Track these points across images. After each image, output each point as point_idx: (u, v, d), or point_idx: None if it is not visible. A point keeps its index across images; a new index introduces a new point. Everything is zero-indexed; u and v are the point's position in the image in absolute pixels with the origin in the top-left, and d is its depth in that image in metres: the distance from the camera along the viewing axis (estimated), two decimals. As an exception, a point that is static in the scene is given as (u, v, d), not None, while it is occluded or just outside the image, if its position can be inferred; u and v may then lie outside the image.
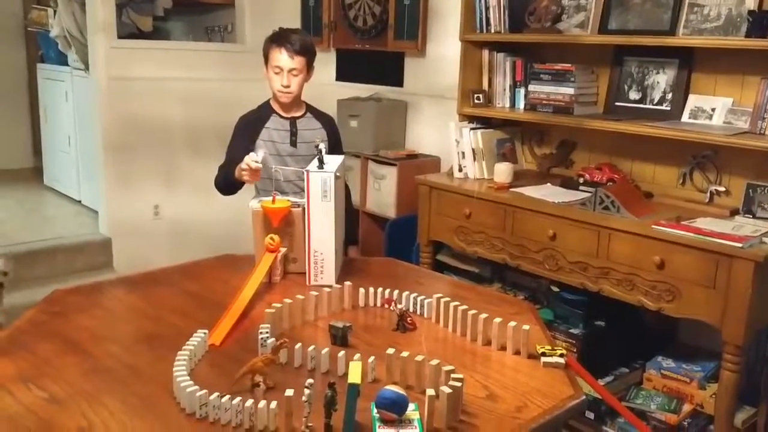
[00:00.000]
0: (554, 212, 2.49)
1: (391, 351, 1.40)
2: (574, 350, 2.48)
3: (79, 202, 4.54)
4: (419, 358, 1.38)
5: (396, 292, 1.81)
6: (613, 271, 2.34)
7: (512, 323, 1.56)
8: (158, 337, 1.59)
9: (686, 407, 2.35)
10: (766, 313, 2.14)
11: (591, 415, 2.45)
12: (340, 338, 1.56)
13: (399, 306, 1.67)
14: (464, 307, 1.65)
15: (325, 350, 1.45)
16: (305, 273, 1.94)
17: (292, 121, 2.45)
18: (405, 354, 1.39)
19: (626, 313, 2.41)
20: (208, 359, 1.49)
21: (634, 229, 2.26)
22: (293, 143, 2.43)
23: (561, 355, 1.52)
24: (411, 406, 1.26)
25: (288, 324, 1.66)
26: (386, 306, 1.76)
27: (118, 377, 1.41)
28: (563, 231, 2.47)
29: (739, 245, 2.03)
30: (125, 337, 1.60)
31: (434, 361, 1.37)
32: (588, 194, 2.50)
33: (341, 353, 1.44)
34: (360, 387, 1.24)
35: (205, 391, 1.26)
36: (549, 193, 2.64)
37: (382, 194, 3.60)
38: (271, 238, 1.91)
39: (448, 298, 1.70)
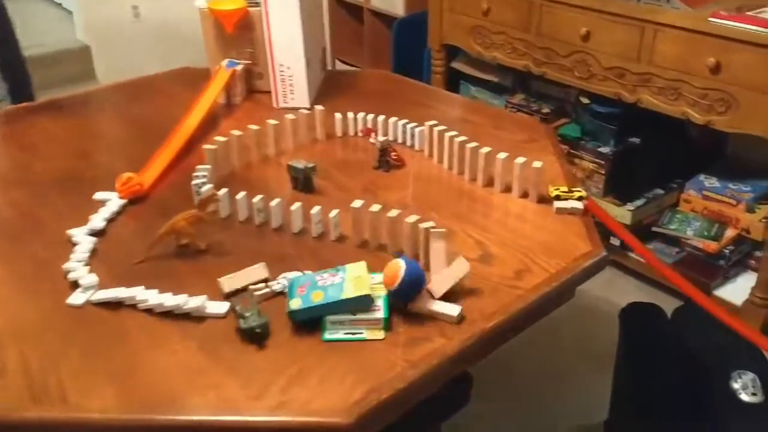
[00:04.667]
0: (589, 4, 2.01)
1: (357, 204, 1.08)
2: (603, 172, 2.14)
3: (59, 4, 4.09)
4: (393, 213, 1.06)
5: (381, 118, 1.44)
6: (655, 78, 1.92)
7: (520, 159, 1.21)
8: (77, 180, 1.29)
9: (729, 233, 2.05)
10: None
11: (617, 242, 2.18)
12: (302, 182, 1.24)
13: (380, 138, 1.32)
14: (461, 138, 1.30)
15: (276, 201, 1.13)
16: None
17: None
18: (375, 208, 1.07)
19: (666, 129, 2.02)
20: (133, 212, 1.20)
21: (686, 24, 1.80)
22: None
23: (579, 198, 1.18)
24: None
25: (239, 162, 1.33)
26: (367, 137, 1.41)
27: (14, 233, 1.13)
28: (599, 29, 2.01)
29: (823, 43, 1.59)
30: (38, 180, 1.30)
31: (411, 218, 1.05)
32: (632, -20, 1.99)
33: (295, 205, 1.12)
34: (371, 297, 0.92)
35: (95, 279, 0.98)
36: (583, -21, 2.12)
37: (388, -14, 3.07)
38: (128, 178, 1.22)
39: (442, 126, 1.34)
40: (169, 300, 0.94)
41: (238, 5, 1.56)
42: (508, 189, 1.25)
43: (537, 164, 1.19)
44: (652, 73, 1.92)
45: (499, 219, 1.17)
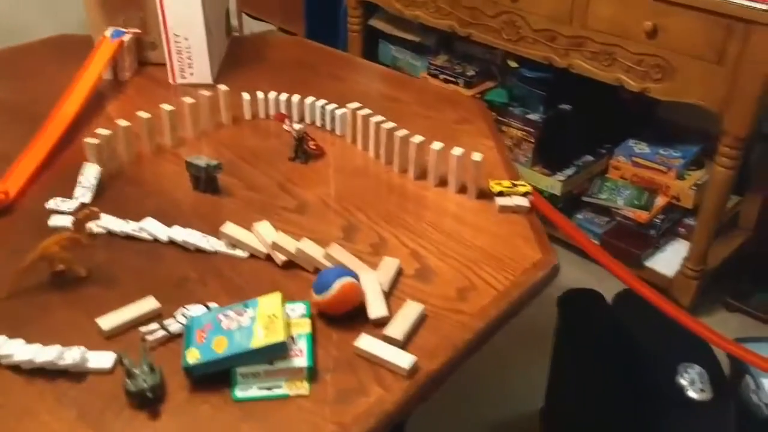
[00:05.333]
0: (518, -40, 1.87)
1: (262, 226, 0.91)
2: (532, 140, 2.03)
3: None
4: (303, 243, 0.90)
5: (296, 99, 1.26)
6: (588, 42, 1.80)
7: (456, 150, 1.07)
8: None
9: (659, 201, 2.00)
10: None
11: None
12: (204, 181, 1.05)
13: (296, 125, 1.14)
14: (389, 125, 1.13)
15: (147, 221, 0.94)
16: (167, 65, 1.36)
17: None
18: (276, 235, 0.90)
19: (597, 93, 1.93)
20: (-5, 228, 0.98)
21: (621, -17, 1.69)
22: None
23: (524, 194, 1.06)
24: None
25: (128, 155, 1.12)
26: (280, 123, 1.22)
27: None
28: (528, -13, 1.87)
29: (763, 7, 1.50)
30: None
31: (334, 249, 0.89)
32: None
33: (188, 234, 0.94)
34: (288, 344, 0.76)
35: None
36: (511, -69, 1.97)
37: (298, -66, 2.81)
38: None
39: (367, 110, 1.18)
40: (41, 354, 0.75)
41: (121, -37, 1.31)
42: (443, 182, 1.11)
43: (476, 157, 1.05)
44: (586, 37, 1.80)
45: (435, 221, 1.03)
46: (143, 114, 1.13)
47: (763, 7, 1.50)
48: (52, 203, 0.99)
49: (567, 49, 1.85)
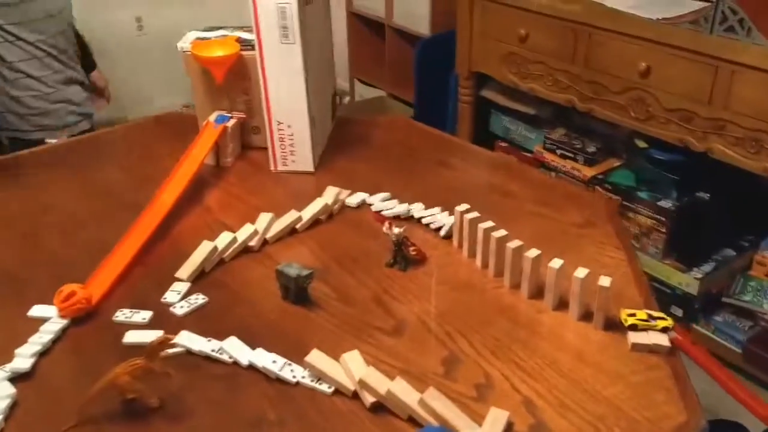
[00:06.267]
0: (649, 35, 1.71)
1: (351, 357, 0.80)
2: (663, 230, 1.83)
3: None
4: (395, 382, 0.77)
5: (401, 208, 1.16)
6: (731, 125, 1.60)
7: (580, 272, 0.91)
8: (11, 280, 1.02)
9: (813, 306, 1.73)
10: None
11: (679, 312, 1.86)
12: (294, 292, 0.95)
13: (395, 230, 1.03)
14: (500, 233, 1.00)
15: (230, 340, 0.86)
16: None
17: None
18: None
19: (738, 182, 1.70)
20: (76, 336, 0.92)
21: (772, 64, 1.49)
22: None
23: (664, 330, 0.88)
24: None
25: (215, 260, 1.05)
26: (380, 224, 1.12)
27: None
28: (661, 64, 1.70)
29: None
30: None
31: (432, 398, 0.76)
32: (703, 5, 1.68)
33: (263, 358, 0.83)
34: None
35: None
36: (643, 3, 1.81)
37: (414, 1, 2.78)
38: (69, 293, 0.92)
39: (475, 213, 1.05)
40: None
41: (229, 51, 1.28)
42: (563, 304, 0.95)
43: (605, 282, 0.89)
44: (728, 120, 1.61)
45: (553, 357, 0.87)
46: (247, 229, 1.06)
47: None
48: (121, 315, 0.92)
49: (705, 131, 1.66)
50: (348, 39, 3.19)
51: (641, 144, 1.93)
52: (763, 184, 1.82)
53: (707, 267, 1.81)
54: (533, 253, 0.96)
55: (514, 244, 0.98)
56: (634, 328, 0.89)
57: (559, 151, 2.19)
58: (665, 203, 1.82)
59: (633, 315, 0.89)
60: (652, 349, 0.87)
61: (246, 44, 1.30)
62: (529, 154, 2.32)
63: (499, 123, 2.44)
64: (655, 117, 1.75)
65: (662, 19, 1.76)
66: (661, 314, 0.90)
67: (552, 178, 1.47)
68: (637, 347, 0.88)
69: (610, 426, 0.77)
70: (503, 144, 2.43)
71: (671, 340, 0.87)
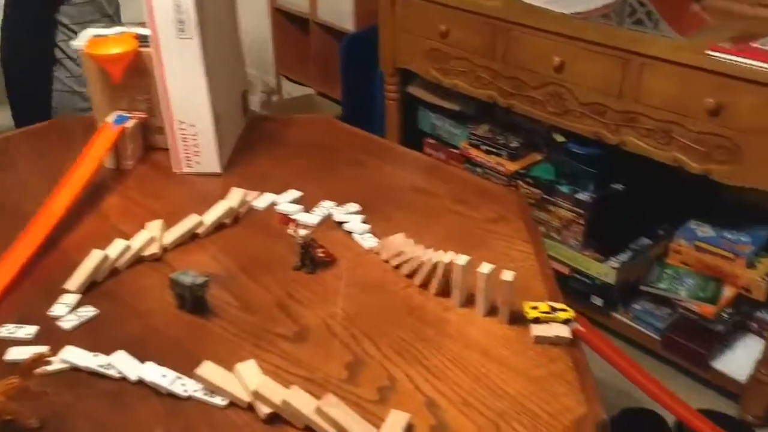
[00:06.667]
0: (562, 29, 1.72)
1: (245, 367, 0.76)
2: (582, 222, 1.85)
3: None
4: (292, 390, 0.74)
5: (295, 200, 1.12)
6: (642, 118, 1.63)
7: (484, 268, 0.90)
8: None
9: (727, 292, 1.77)
10: None
11: (599, 301, 1.89)
12: (190, 302, 0.91)
13: (301, 232, 1.00)
14: (408, 242, 0.98)
15: (118, 355, 0.81)
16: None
17: None
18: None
19: (654, 172, 1.74)
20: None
21: (679, 57, 1.52)
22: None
23: (566, 321, 0.88)
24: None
25: (107, 270, 1.00)
26: (284, 226, 1.08)
27: None
28: (575, 58, 1.71)
29: None
30: None
31: (330, 406, 0.73)
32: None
33: (142, 369, 0.79)
34: None
35: None
36: (556, -2, 1.83)
37: (337, -1, 2.74)
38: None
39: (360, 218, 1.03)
40: None
41: (126, 48, 1.22)
42: (470, 301, 0.94)
43: (507, 276, 0.88)
44: (640, 113, 1.63)
45: (458, 355, 0.86)
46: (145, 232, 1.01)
47: None
48: (4, 331, 0.86)
49: (618, 124, 1.68)
50: (272, 35, 3.13)
51: (559, 138, 1.95)
52: (676, 174, 1.87)
53: (624, 256, 1.84)
54: (439, 257, 0.95)
55: (425, 254, 0.97)
56: (537, 321, 0.88)
57: (483, 147, 2.19)
58: (583, 196, 1.84)
59: (535, 308, 0.89)
60: (554, 341, 0.87)
61: (145, 41, 1.24)
62: (456, 151, 2.32)
63: (427, 120, 2.43)
64: (570, 111, 1.77)
65: (576, 14, 1.78)
66: (563, 306, 0.89)
67: (469, 174, 1.47)
68: (540, 340, 0.87)
69: (510, 422, 0.76)
70: (431, 141, 2.42)
71: (573, 332, 0.87)
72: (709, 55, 1.48)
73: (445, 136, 2.39)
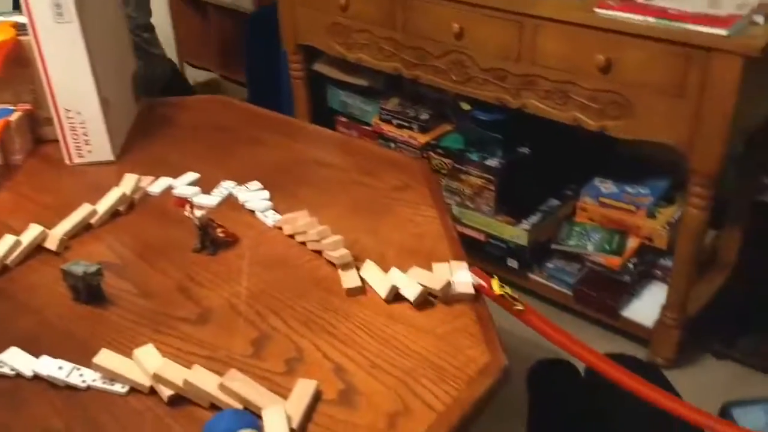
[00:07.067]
0: (458, -3, 1.74)
1: (144, 352, 0.74)
2: (492, 188, 1.89)
3: None
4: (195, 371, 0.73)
5: (193, 183, 1.09)
6: (540, 80, 1.67)
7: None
8: None
9: (631, 243, 1.86)
10: (748, 127, 1.58)
11: (515, 264, 1.94)
12: (84, 292, 0.88)
13: (197, 213, 0.98)
14: (307, 221, 0.97)
15: (10, 352, 0.77)
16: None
17: None
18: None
19: (556, 133, 1.79)
20: None
21: (569, 16, 1.57)
22: None
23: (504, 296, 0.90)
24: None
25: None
26: (180, 208, 1.05)
27: None
28: (473, 25, 1.74)
29: (723, 32, 1.38)
30: None
31: (231, 380, 0.72)
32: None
33: (39, 364, 0.76)
34: None
35: None
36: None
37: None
38: None
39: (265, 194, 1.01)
40: None
41: (3, 37, 1.15)
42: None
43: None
44: (537, 75, 1.67)
45: (365, 321, 0.86)
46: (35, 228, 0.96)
47: (723, 32, 1.38)
48: None
49: (518, 88, 1.72)
50: (171, 21, 3.04)
51: (465, 106, 1.98)
52: (579, 134, 1.93)
53: (534, 218, 1.89)
54: (333, 239, 0.95)
55: (320, 229, 0.96)
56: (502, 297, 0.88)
57: (395, 122, 2.20)
58: (491, 162, 1.88)
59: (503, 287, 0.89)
60: (458, 298, 0.88)
61: (23, 29, 1.18)
62: (368, 128, 2.32)
63: (336, 98, 2.42)
64: (473, 78, 1.79)
65: (471, -19, 1.80)
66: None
67: (375, 146, 1.47)
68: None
69: (417, 378, 0.77)
70: (343, 119, 2.41)
71: (475, 286, 0.89)
72: (596, 12, 1.53)
73: (356, 114, 2.39)
